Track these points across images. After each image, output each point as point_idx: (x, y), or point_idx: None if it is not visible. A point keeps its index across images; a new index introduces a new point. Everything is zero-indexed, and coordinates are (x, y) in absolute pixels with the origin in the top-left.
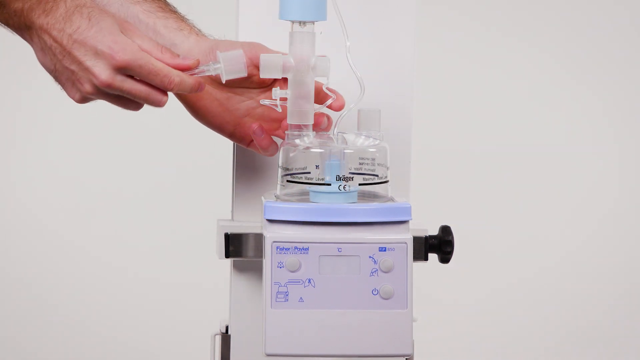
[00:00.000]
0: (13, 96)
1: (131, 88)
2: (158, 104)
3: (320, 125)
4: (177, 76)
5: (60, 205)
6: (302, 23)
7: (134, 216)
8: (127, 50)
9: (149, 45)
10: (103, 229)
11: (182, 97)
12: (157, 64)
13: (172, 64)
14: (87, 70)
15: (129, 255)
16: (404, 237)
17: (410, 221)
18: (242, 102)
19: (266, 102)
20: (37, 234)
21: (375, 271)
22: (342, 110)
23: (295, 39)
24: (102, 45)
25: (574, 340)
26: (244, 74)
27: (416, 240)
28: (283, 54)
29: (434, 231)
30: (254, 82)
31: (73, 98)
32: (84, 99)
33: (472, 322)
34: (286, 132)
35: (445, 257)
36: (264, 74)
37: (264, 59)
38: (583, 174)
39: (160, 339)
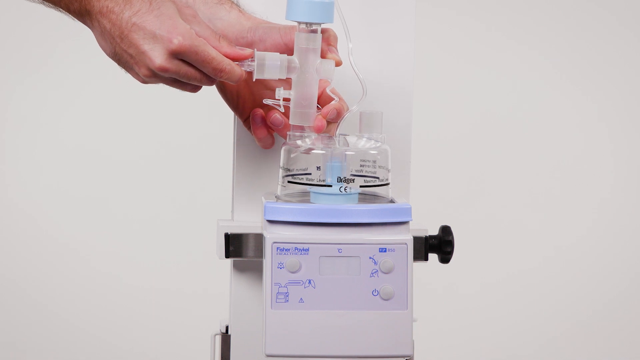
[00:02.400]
0: (11, 95)
1: (186, 72)
2: (208, 84)
3: (321, 131)
4: (228, 65)
5: (59, 204)
6: (309, 24)
7: (134, 216)
8: (185, 36)
9: (206, 32)
10: (102, 229)
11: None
12: (212, 51)
13: (230, 53)
14: (143, 54)
15: (128, 255)
16: (404, 237)
17: (410, 222)
18: (267, 90)
19: (269, 101)
20: (34, 235)
21: (375, 272)
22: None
23: (301, 40)
24: (160, 29)
25: (574, 341)
26: (276, 77)
27: (416, 240)
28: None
29: (434, 231)
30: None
31: (136, 79)
32: (144, 82)
33: (472, 322)
34: (288, 132)
35: (445, 257)
36: (268, 75)
37: (269, 58)
38: (587, 175)
39: (161, 339)
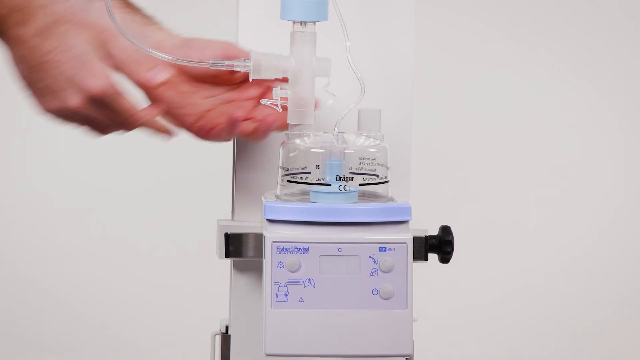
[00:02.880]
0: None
1: (97, 117)
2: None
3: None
4: (143, 117)
5: (59, 204)
6: (304, 23)
7: (134, 216)
8: (100, 83)
9: (124, 55)
10: (103, 229)
11: (144, 87)
12: (124, 103)
13: (142, 80)
14: (56, 92)
15: (128, 255)
16: (404, 237)
17: (410, 221)
18: (207, 98)
19: (266, 102)
20: (33, 235)
21: (375, 271)
22: (343, 110)
23: (297, 39)
24: (75, 74)
25: (574, 341)
26: (272, 77)
27: (416, 240)
28: (248, 52)
29: (434, 231)
30: (222, 80)
31: (39, 107)
32: (47, 112)
33: (472, 322)
34: (286, 132)
35: (445, 257)
36: (265, 75)
37: (265, 59)
38: (586, 175)
39: (160, 339)
